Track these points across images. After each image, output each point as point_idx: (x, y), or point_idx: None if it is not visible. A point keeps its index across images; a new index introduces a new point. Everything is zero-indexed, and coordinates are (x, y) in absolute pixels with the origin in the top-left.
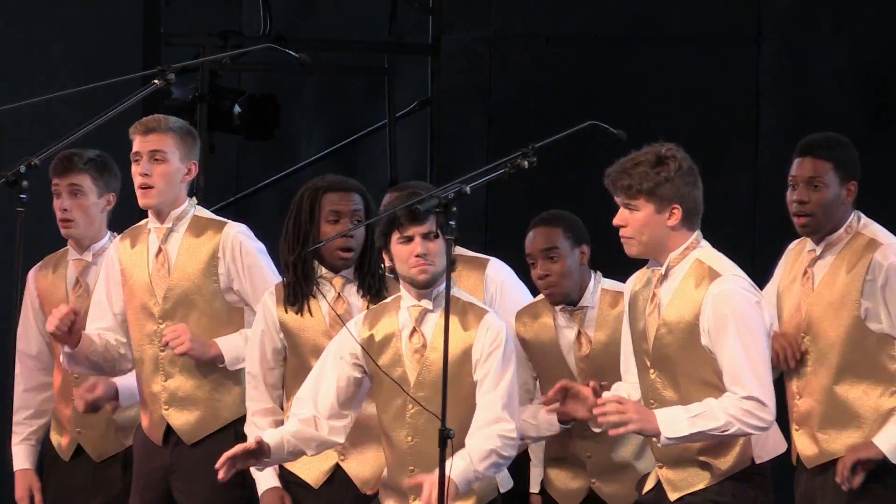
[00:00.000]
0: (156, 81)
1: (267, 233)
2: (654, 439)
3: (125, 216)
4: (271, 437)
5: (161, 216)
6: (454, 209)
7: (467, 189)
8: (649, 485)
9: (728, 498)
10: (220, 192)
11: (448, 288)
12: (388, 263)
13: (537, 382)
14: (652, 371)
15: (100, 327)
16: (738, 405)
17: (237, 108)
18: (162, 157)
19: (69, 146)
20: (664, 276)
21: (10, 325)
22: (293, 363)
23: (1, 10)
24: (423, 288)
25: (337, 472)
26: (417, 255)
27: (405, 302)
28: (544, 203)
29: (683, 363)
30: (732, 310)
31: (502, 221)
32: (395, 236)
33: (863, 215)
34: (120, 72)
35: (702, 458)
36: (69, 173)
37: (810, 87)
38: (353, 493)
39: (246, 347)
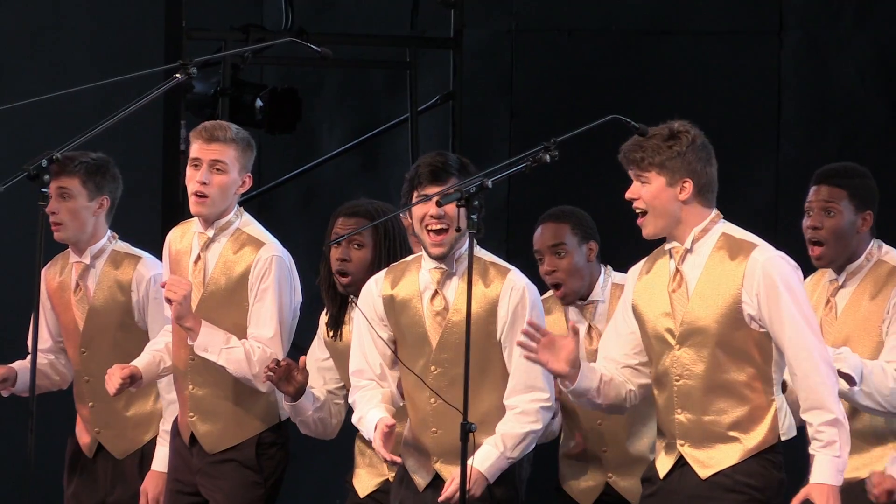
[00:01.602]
0: (177, 75)
1: (288, 227)
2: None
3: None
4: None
5: (207, 223)
6: (476, 203)
7: (489, 183)
8: (666, 466)
9: (759, 479)
10: None
11: (471, 258)
12: (406, 223)
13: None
14: (678, 347)
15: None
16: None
17: (259, 102)
18: (223, 168)
19: (90, 140)
20: (689, 251)
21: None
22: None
23: (23, 5)
24: (437, 260)
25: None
26: (432, 216)
27: (426, 263)
28: (566, 197)
29: (721, 335)
30: (783, 276)
31: (524, 215)
32: (415, 195)
33: (883, 243)
34: (142, 66)
35: (731, 434)
36: (59, 176)
37: (832, 80)
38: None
39: (221, 346)
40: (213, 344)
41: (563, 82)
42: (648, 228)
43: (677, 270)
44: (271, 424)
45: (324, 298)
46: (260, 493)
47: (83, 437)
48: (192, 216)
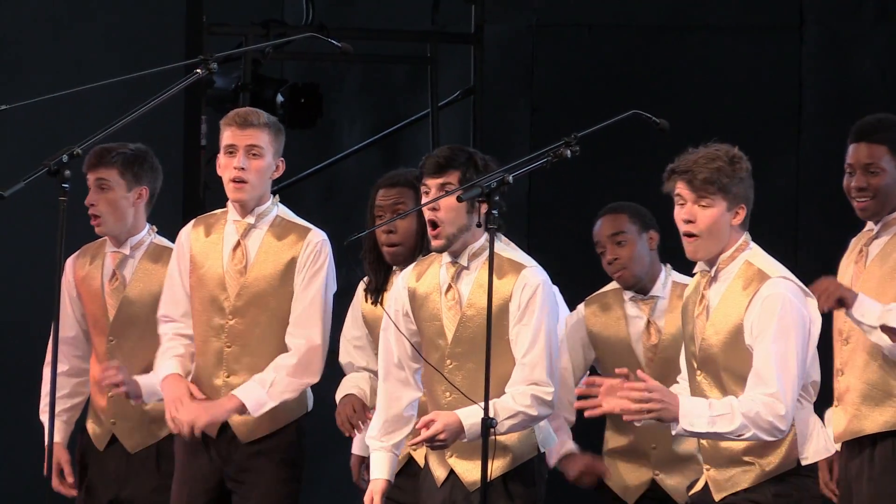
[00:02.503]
0: (198, 71)
1: (309, 221)
2: (671, 427)
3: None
4: (382, 459)
5: (245, 210)
6: (497, 198)
7: (510, 178)
8: (698, 486)
9: (768, 497)
10: None
11: (492, 255)
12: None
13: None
14: (699, 373)
15: (175, 315)
16: (757, 405)
17: (280, 98)
18: (258, 153)
19: (111, 135)
20: (713, 279)
21: (52, 312)
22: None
23: (44, 1)
24: (438, 252)
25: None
26: (428, 209)
27: (444, 258)
28: (586, 192)
29: (728, 363)
30: (779, 314)
31: (544, 210)
32: (421, 188)
33: None
34: (162, 61)
35: (747, 458)
36: (97, 168)
37: (852, 76)
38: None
39: (265, 391)
40: (259, 396)
41: (583, 77)
42: (700, 253)
43: (702, 296)
44: (304, 412)
45: (365, 268)
46: (295, 488)
47: (95, 427)
48: (211, 211)
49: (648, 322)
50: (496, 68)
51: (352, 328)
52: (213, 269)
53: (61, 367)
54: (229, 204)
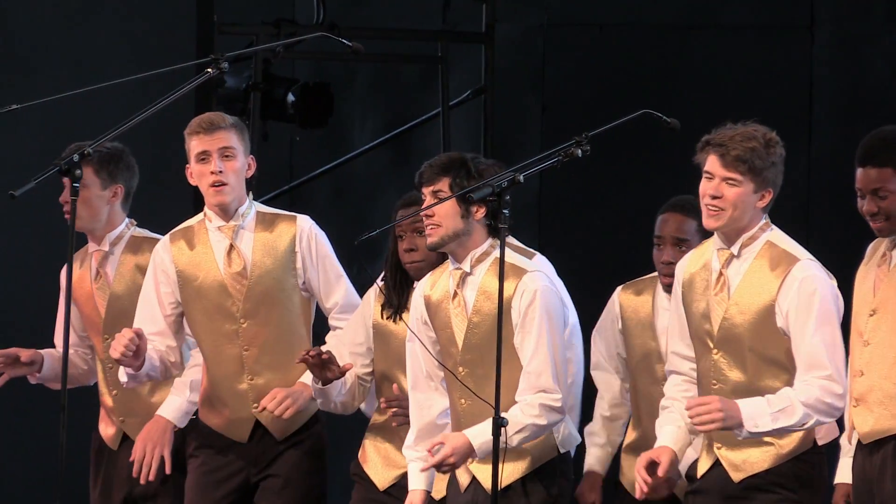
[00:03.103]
0: (209, 70)
1: (319, 221)
2: (736, 431)
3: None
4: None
5: (227, 214)
6: (507, 198)
7: (521, 178)
8: (705, 465)
9: (791, 480)
10: (274, 180)
11: (503, 253)
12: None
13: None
14: (716, 351)
15: (150, 332)
16: (815, 390)
17: (290, 97)
18: (231, 154)
19: (122, 135)
20: (736, 256)
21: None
22: (380, 368)
23: (56, 0)
24: (432, 251)
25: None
26: (425, 215)
27: (450, 265)
28: (597, 191)
29: (754, 343)
30: (820, 297)
31: (555, 210)
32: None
33: None
34: (173, 61)
35: (766, 439)
36: None
37: (864, 76)
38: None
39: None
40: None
41: (594, 77)
42: (720, 222)
43: (721, 274)
44: None
45: (386, 291)
46: (322, 478)
47: (107, 429)
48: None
49: None
50: (507, 68)
51: (354, 333)
52: (211, 278)
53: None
54: (206, 212)
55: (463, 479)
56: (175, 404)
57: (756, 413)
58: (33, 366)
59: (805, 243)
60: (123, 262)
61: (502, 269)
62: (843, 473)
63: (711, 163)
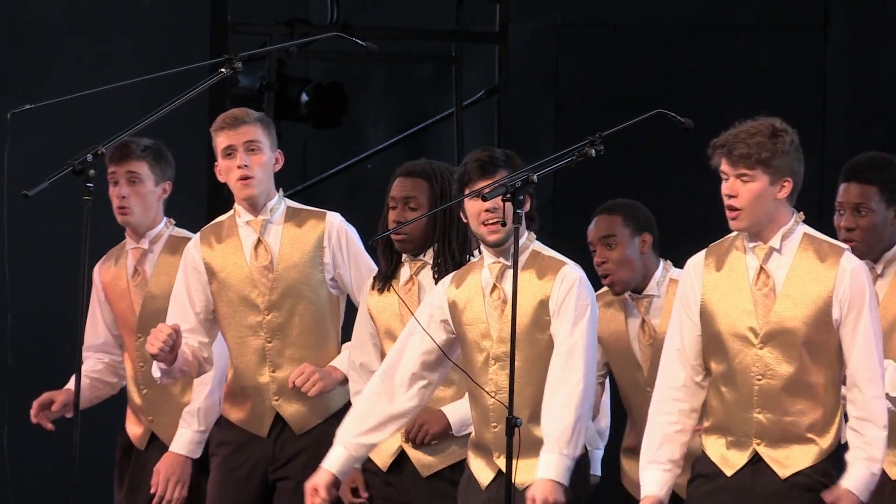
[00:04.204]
0: (223, 70)
1: None
2: None
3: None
4: (338, 454)
5: (256, 208)
6: (521, 197)
7: (534, 177)
8: (736, 463)
9: (828, 479)
10: (287, 180)
11: (516, 252)
12: (465, 221)
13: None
14: (761, 346)
15: (182, 329)
16: (879, 418)
17: (304, 97)
18: (257, 147)
19: (135, 134)
20: (777, 250)
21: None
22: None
23: (69, 0)
24: (494, 247)
25: (404, 457)
26: (488, 210)
27: (487, 260)
28: (611, 191)
29: (810, 336)
30: (869, 289)
31: (569, 210)
32: (466, 191)
33: None
34: (187, 60)
35: (810, 436)
36: (127, 160)
37: (877, 75)
38: (421, 479)
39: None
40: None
41: (608, 77)
42: (742, 223)
43: (762, 269)
44: (346, 401)
45: (379, 256)
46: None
47: (134, 428)
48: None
49: (643, 321)
50: (521, 67)
51: (360, 352)
52: (238, 270)
53: (97, 365)
54: (236, 207)
55: (484, 476)
56: (187, 438)
57: (864, 485)
58: (67, 408)
59: None
60: (162, 261)
61: (516, 263)
62: None
63: (722, 164)
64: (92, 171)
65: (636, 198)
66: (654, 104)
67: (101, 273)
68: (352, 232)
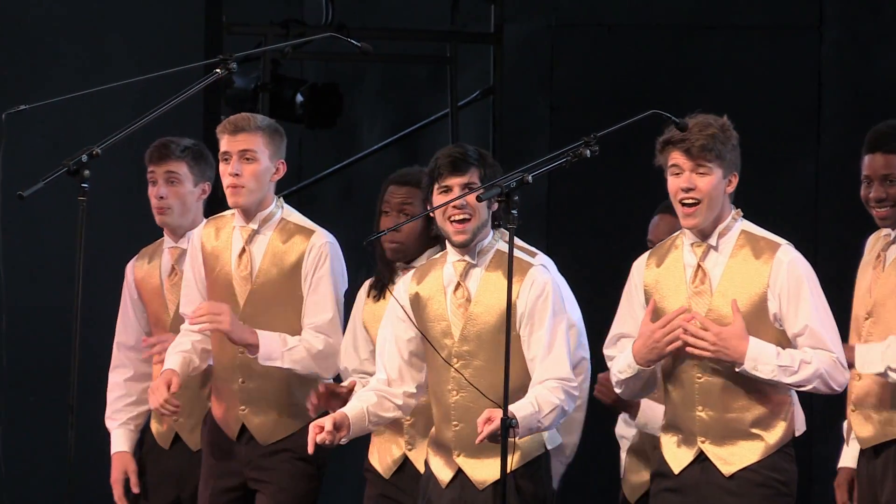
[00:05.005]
0: (217, 70)
1: (328, 222)
2: (735, 364)
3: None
4: (351, 408)
5: (248, 216)
6: (516, 198)
7: (529, 178)
8: (682, 461)
9: (781, 475)
10: (283, 181)
11: (511, 251)
12: (431, 215)
13: None
14: None
15: (189, 313)
16: (825, 363)
17: (299, 97)
18: (252, 157)
19: (130, 136)
20: (713, 248)
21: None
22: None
23: (64, 1)
24: (460, 248)
25: (406, 463)
26: (455, 206)
27: (450, 257)
28: (606, 192)
29: (748, 329)
30: (807, 277)
31: (564, 210)
32: (436, 187)
33: None
34: (181, 61)
35: (755, 431)
36: (166, 160)
37: (872, 75)
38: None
39: (282, 350)
40: (274, 350)
41: (603, 77)
42: (698, 219)
43: (699, 266)
44: (323, 413)
45: (379, 264)
46: (315, 485)
47: (158, 426)
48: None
49: None
50: (516, 68)
51: (346, 357)
52: (223, 274)
53: (125, 374)
54: (237, 210)
55: (444, 474)
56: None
57: (761, 357)
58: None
59: (814, 243)
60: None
61: (511, 268)
62: (847, 458)
63: (677, 158)
64: (87, 172)
65: (630, 199)
66: (649, 105)
67: (135, 270)
68: (332, 252)
